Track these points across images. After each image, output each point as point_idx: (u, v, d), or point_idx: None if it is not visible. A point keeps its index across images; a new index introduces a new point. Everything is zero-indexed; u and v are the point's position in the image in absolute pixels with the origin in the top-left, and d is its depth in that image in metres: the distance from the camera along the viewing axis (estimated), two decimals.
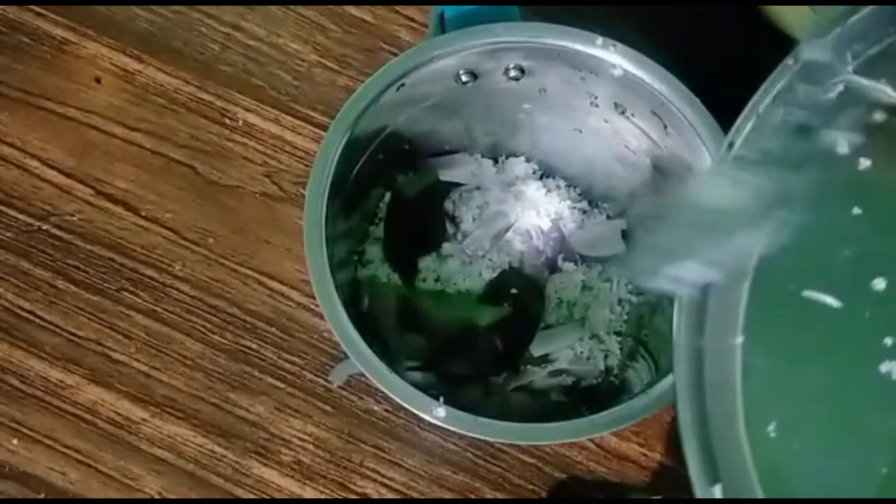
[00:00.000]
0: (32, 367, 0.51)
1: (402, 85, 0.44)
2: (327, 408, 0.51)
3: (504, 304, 0.50)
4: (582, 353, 0.51)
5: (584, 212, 0.53)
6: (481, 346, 0.49)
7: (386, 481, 0.51)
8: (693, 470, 0.32)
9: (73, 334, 0.52)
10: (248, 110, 0.55)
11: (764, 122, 0.33)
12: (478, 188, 0.53)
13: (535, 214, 0.52)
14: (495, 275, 0.51)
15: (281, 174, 0.54)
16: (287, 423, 0.51)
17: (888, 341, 0.32)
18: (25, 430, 0.51)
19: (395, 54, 0.44)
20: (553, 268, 0.52)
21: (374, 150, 0.46)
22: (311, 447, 0.51)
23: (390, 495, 0.51)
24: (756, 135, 0.33)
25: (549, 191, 0.53)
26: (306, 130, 0.55)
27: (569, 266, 0.52)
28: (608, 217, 0.53)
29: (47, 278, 0.53)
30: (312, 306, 0.52)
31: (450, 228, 0.52)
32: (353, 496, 0.51)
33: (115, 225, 0.53)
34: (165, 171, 0.54)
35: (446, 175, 0.52)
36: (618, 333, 0.52)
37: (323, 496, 0.50)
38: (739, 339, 0.33)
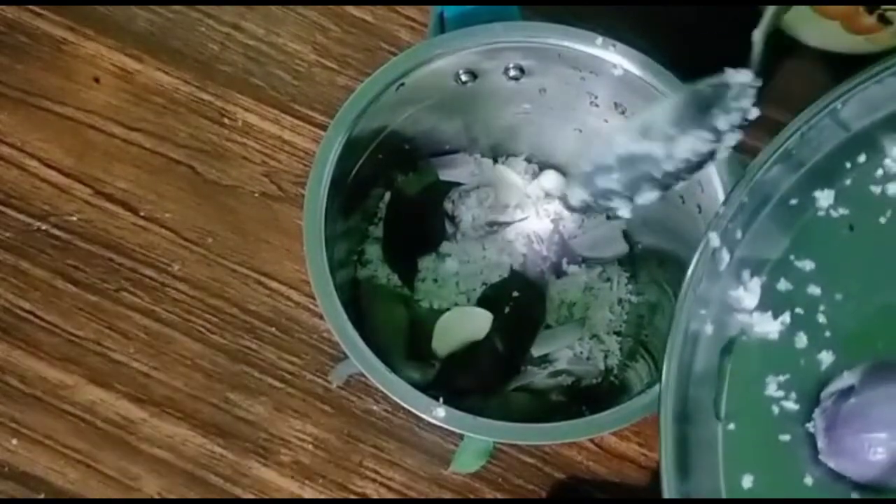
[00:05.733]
0: (32, 367, 0.51)
1: (402, 85, 0.43)
2: (327, 408, 0.51)
3: (504, 308, 0.50)
4: (582, 353, 0.51)
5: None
6: (483, 352, 0.49)
7: (385, 481, 0.51)
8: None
9: (73, 334, 0.52)
10: (247, 110, 0.55)
11: None
12: (478, 188, 0.53)
13: (535, 215, 0.52)
14: (495, 276, 0.51)
15: (280, 174, 0.54)
16: (287, 423, 0.51)
17: None
18: (25, 430, 0.51)
19: (395, 54, 0.44)
20: (558, 272, 0.52)
21: (374, 150, 0.46)
22: (310, 447, 0.51)
23: (390, 495, 0.51)
24: None
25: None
26: (306, 130, 0.55)
27: (573, 269, 0.52)
28: (608, 217, 0.53)
29: (47, 278, 0.53)
30: (312, 306, 0.52)
31: (449, 228, 0.52)
32: (352, 496, 0.51)
33: (115, 225, 0.53)
34: (165, 171, 0.54)
35: (446, 175, 0.52)
36: (618, 333, 0.52)
37: (322, 496, 0.50)
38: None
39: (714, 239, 0.37)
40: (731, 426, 0.37)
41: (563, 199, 0.41)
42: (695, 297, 0.37)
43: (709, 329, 0.37)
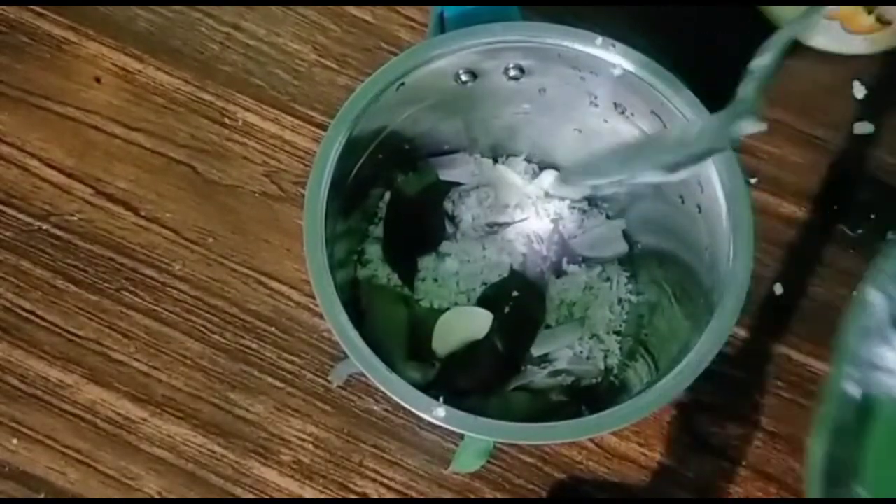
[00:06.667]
0: (32, 366, 0.51)
1: (402, 84, 0.44)
2: (327, 408, 0.51)
3: (504, 307, 0.50)
4: (582, 352, 0.51)
5: (584, 211, 0.53)
6: (483, 352, 0.49)
7: (386, 481, 0.51)
8: None
9: (73, 334, 0.52)
10: (247, 110, 0.55)
11: None
12: (478, 188, 0.53)
13: (535, 215, 0.52)
14: (495, 276, 0.51)
15: (281, 174, 0.54)
16: (287, 423, 0.51)
17: None
18: (25, 430, 0.51)
19: (395, 54, 0.44)
20: (558, 271, 0.52)
21: (374, 150, 0.46)
22: (310, 447, 0.51)
23: (390, 495, 0.51)
24: None
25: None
26: (306, 130, 0.55)
27: (573, 268, 0.52)
28: (608, 217, 0.53)
29: (47, 278, 0.53)
30: (312, 306, 0.52)
31: (449, 228, 0.52)
32: (352, 496, 0.51)
33: (115, 224, 0.53)
34: (165, 170, 0.54)
35: (446, 175, 0.52)
36: (617, 333, 0.52)
37: (323, 496, 0.50)
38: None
39: (872, 294, 0.36)
40: (869, 493, 0.36)
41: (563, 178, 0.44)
42: (849, 353, 0.36)
43: (855, 389, 0.36)
